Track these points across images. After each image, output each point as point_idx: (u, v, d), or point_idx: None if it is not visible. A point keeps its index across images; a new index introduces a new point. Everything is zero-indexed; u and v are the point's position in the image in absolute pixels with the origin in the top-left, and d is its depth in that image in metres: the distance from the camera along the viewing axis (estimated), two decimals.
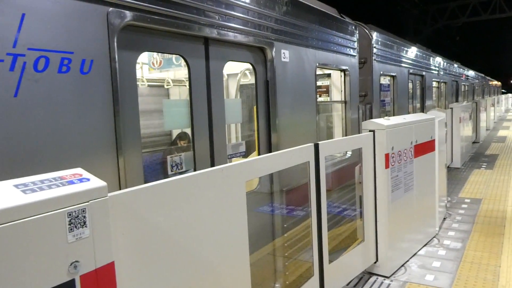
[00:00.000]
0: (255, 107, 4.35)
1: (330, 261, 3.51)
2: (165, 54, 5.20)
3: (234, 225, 2.45)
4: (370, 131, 4.12)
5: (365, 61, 7.22)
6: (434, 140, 5.22)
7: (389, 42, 8.48)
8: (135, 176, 2.98)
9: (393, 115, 8.29)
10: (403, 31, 26.42)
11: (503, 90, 51.78)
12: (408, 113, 9.70)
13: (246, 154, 4.41)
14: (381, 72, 7.93)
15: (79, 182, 1.60)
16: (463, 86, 19.25)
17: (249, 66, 4.68)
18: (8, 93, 2.20)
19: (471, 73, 22.48)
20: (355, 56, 6.47)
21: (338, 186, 5.25)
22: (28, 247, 1.41)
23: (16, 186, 1.49)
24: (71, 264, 1.52)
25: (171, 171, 3.55)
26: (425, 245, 5.03)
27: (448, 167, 8.10)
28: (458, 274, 4.26)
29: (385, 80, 8.56)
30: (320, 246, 3.34)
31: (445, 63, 14.67)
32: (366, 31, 7.23)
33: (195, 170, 3.54)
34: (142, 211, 1.90)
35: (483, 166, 10.05)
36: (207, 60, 3.67)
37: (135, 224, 1.86)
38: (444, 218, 6.00)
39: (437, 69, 13.15)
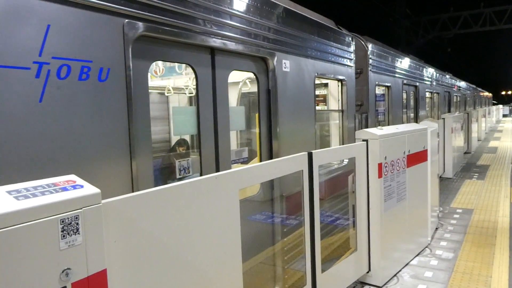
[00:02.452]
0: (257, 115, 4.49)
1: (323, 271, 3.50)
2: (167, 63, 5.32)
3: (228, 233, 2.45)
4: (363, 140, 4.14)
5: (361, 72, 7.33)
6: (426, 150, 5.25)
7: (384, 53, 8.66)
8: (146, 179, 3.08)
9: (388, 125, 8.43)
10: (395, 42, 26.73)
11: (494, 101, 52.38)
12: (402, 123, 9.84)
13: (247, 161, 4.53)
14: (377, 83, 8.10)
15: (73, 188, 1.59)
16: (455, 97, 19.64)
17: (250, 75, 4.88)
18: (34, 98, 2.34)
19: (463, 84, 22.94)
20: (352, 66, 6.63)
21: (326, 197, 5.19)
22: (19, 254, 1.39)
23: (9, 192, 1.48)
24: (63, 272, 1.50)
25: (179, 174, 3.69)
26: (417, 255, 5.04)
27: (440, 177, 8.16)
28: (450, 284, 4.27)
29: (380, 90, 8.77)
30: (313, 255, 3.34)
31: (437, 74, 14.98)
32: (362, 42, 7.41)
33: (201, 174, 3.65)
34: (135, 219, 1.89)
35: (474, 176, 10.13)
36: (213, 69, 3.81)
37: (128, 232, 1.85)
38: (436, 228, 6.03)
39: (430, 80, 13.46)
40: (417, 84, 11.52)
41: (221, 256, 2.41)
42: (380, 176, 4.13)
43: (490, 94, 47.00)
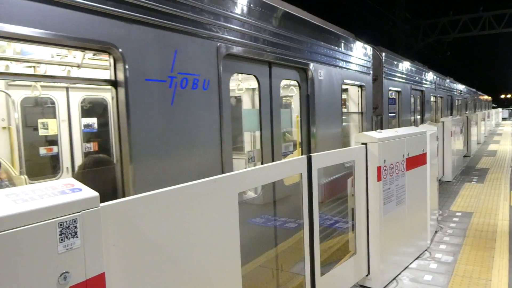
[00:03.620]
0: (297, 116, 5.51)
1: (322, 274, 3.50)
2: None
3: (227, 236, 2.44)
4: (362, 143, 4.14)
5: (376, 78, 8.11)
6: (425, 153, 5.26)
7: (395, 61, 9.57)
8: (228, 163, 3.89)
9: (398, 126, 9.41)
10: (395, 46, 26.77)
11: (493, 105, 52.43)
12: (411, 124, 10.77)
13: (292, 153, 5.54)
14: (389, 88, 8.99)
15: (71, 192, 1.59)
16: (457, 100, 20.55)
17: (288, 82, 5.84)
18: (168, 102, 3.26)
19: (464, 88, 23.90)
20: (370, 74, 7.56)
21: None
22: (18, 257, 1.39)
23: (7, 195, 1.48)
24: (61, 275, 1.50)
25: (249, 162, 4.60)
26: (416, 258, 5.03)
27: (439, 180, 8.17)
28: (450, 287, 4.26)
29: (391, 95, 9.56)
30: (312, 259, 3.33)
31: (441, 80, 15.95)
32: (378, 52, 8.32)
33: (262, 163, 4.54)
34: (134, 222, 1.89)
35: (474, 179, 10.13)
36: (270, 78, 4.74)
37: (126, 235, 1.85)
38: (436, 232, 6.02)
39: (434, 85, 14.41)
40: (423, 89, 12.45)
41: (220, 259, 2.40)
42: (379, 179, 4.14)
43: (490, 98, 47.06)
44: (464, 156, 13.60)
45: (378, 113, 8.24)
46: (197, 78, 3.53)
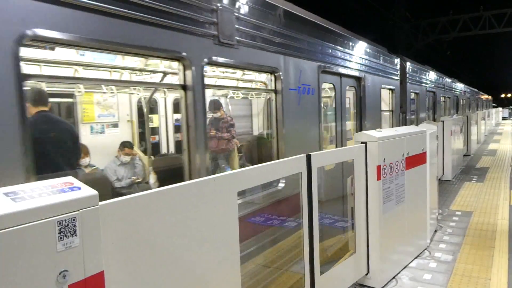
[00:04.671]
0: (352, 112, 7.44)
1: (322, 273, 3.50)
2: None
3: (226, 235, 2.45)
4: (362, 143, 4.14)
5: (401, 82, 10.10)
6: (425, 152, 5.26)
7: (415, 68, 11.76)
8: (322, 140, 5.74)
9: (417, 122, 11.29)
10: (395, 45, 26.74)
11: (493, 104, 52.40)
12: (427, 119, 12.75)
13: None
14: (411, 91, 11.09)
15: (70, 190, 1.59)
16: (461, 100, 22.82)
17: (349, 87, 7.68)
18: (297, 102, 5.11)
19: (467, 89, 26.24)
20: (398, 79, 9.63)
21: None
22: (17, 255, 1.40)
23: (6, 194, 1.48)
24: (60, 273, 1.50)
25: (329, 143, 6.64)
26: (416, 257, 5.03)
27: (439, 179, 8.19)
28: (449, 286, 4.26)
29: (412, 96, 11.51)
30: (311, 257, 3.33)
31: (449, 82, 18.36)
32: (403, 62, 10.36)
33: (336, 145, 6.58)
34: (132, 221, 1.89)
35: (474, 179, 10.13)
36: (340, 86, 6.59)
37: (125, 233, 1.85)
38: (435, 231, 6.02)
39: (443, 86, 16.74)
40: (435, 90, 14.65)
41: (220, 257, 2.41)
42: (379, 178, 4.14)
43: (490, 97, 47.03)
44: (464, 155, 13.59)
45: (403, 111, 10.24)
46: (309, 87, 5.35)
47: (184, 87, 3.47)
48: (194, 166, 3.52)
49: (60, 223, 1.50)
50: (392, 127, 9.02)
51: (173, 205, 2.10)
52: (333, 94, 6.53)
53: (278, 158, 4.71)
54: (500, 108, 48.11)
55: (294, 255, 3.96)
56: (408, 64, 10.72)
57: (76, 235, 1.55)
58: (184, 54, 3.38)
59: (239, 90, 6.61)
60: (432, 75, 14.14)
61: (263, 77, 5.30)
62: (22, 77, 2.33)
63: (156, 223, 2.00)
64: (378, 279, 4.26)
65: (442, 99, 16.25)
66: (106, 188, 4.89)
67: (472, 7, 29.08)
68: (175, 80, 3.68)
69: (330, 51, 6.05)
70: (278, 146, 4.79)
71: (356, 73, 6.97)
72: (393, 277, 4.50)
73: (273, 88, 4.74)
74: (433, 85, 14.25)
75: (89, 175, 5.11)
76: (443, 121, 9.93)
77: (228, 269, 2.48)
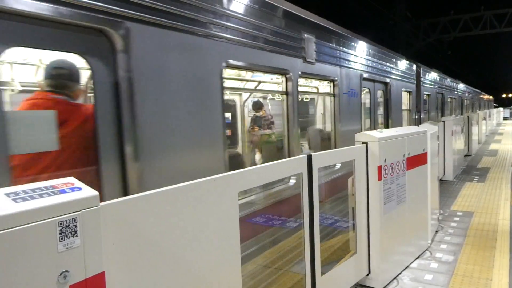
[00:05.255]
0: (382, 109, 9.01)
1: (323, 273, 3.49)
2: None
3: (227, 236, 2.44)
4: (363, 143, 4.14)
5: (417, 86, 11.63)
6: (426, 152, 5.25)
7: (428, 73, 13.56)
8: (362, 129, 7.16)
9: (429, 120, 12.66)
10: (396, 45, 26.72)
11: (495, 104, 52.37)
12: (437, 117, 14.73)
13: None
14: (424, 93, 12.62)
15: (71, 191, 1.59)
16: (465, 100, 24.56)
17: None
18: (347, 104, 6.47)
19: (470, 89, 27.62)
20: (414, 83, 11.31)
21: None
22: (17, 256, 1.39)
23: (7, 194, 1.48)
24: (61, 274, 1.50)
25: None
26: (417, 258, 5.03)
27: (440, 179, 8.19)
28: (450, 287, 4.26)
29: (424, 97, 12.97)
30: (312, 258, 3.33)
31: (455, 83, 20.26)
32: (418, 67, 11.83)
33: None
34: (133, 221, 1.89)
35: (475, 179, 10.12)
36: (374, 90, 8.17)
37: (126, 234, 1.85)
38: (436, 231, 6.02)
39: (450, 88, 18.66)
40: (444, 92, 16.57)
41: (221, 258, 2.40)
42: (379, 178, 4.13)
43: (492, 97, 46.97)
44: (465, 156, 13.58)
45: (418, 110, 11.89)
46: (354, 91, 6.77)
47: (286, 93, 4.98)
48: (292, 145, 5.06)
49: (61, 224, 1.50)
50: (410, 124, 10.91)
51: (174, 205, 2.09)
52: (368, 96, 8.00)
53: (335, 146, 6.26)
54: (501, 108, 48.05)
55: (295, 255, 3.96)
56: (422, 69, 12.35)
57: (77, 236, 1.55)
58: (286, 70, 4.86)
59: (310, 94, 7.68)
60: (441, 79, 16.22)
61: (326, 84, 6.51)
62: (222, 92, 3.68)
63: (157, 224, 2.00)
64: (379, 280, 4.25)
65: (449, 99, 18.35)
66: None
67: (473, 7, 29.10)
68: (280, 88, 5.23)
69: (368, 62, 7.55)
70: (335, 136, 6.32)
71: (385, 79, 8.60)
72: (394, 278, 4.50)
73: (332, 92, 6.26)
74: (441, 87, 16.16)
75: None
76: (444, 121, 9.92)
77: (229, 269, 2.48)
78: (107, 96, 2.70)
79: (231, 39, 3.83)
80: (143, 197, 1.94)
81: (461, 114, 20.56)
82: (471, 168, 11.90)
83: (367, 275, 4.25)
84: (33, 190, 1.54)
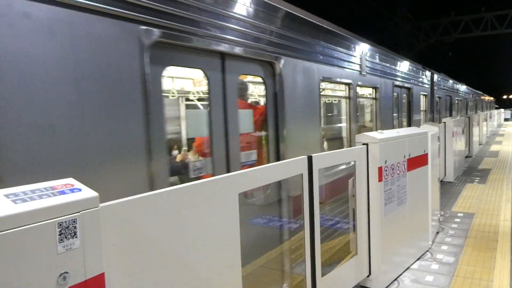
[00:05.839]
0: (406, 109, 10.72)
1: (323, 274, 3.49)
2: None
3: (227, 237, 2.44)
4: (363, 144, 4.13)
5: (431, 90, 13.39)
6: (427, 154, 5.24)
7: (439, 78, 15.43)
8: (395, 123, 9.12)
9: (439, 120, 13.71)
10: (396, 46, 26.72)
11: (496, 106, 52.33)
12: (447, 117, 15.97)
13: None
14: (436, 96, 14.37)
15: (71, 192, 1.59)
16: (469, 102, 26.44)
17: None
18: (384, 106, 8.26)
19: (474, 92, 29.28)
20: (429, 87, 13.11)
21: None
22: (17, 257, 1.39)
23: (6, 195, 1.48)
24: (60, 275, 1.50)
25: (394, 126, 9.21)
26: (418, 259, 5.02)
27: (441, 181, 8.20)
28: None
29: (436, 100, 14.78)
30: (313, 259, 3.33)
31: (461, 87, 22.35)
32: (432, 74, 13.57)
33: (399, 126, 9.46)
34: (133, 222, 1.88)
35: (476, 180, 10.11)
36: (401, 95, 9.82)
37: (126, 235, 1.85)
38: (437, 232, 6.01)
39: (457, 91, 20.85)
40: (451, 94, 18.60)
41: (221, 260, 2.40)
42: (380, 179, 4.13)
43: (493, 99, 46.94)
44: (466, 157, 13.57)
45: (432, 110, 13.60)
46: (389, 95, 8.43)
47: (348, 98, 6.63)
48: (352, 135, 6.52)
49: (60, 225, 1.49)
50: (426, 122, 12.14)
51: (175, 206, 2.09)
52: (397, 99, 9.52)
53: None
54: (502, 110, 48.01)
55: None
56: (435, 75, 14.40)
57: (76, 237, 1.54)
58: (350, 81, 6.44)
59: (362, 98, 8.95)
60: (449, 83, 18.49)
61: (370, 90, 7.98)
62: (320, 97, 5.28)
63: (157, 225, 1.99)
64: (380, 281, 4.24)
65: (456, 101, 20.68)
66: None
67: (474, 8, 29.08)
68: (344, 94, 6.85)
69: (397, 72, 9.24)
70: (376, 129, 7.69)
71: (409, 85, 10.29)
72: (395, 279, 4.49)
73: (374, 97, 7.87)
74: (450, 91, 18.34)
75: None
76: (445, 122, 9.91)
77: (229, 270, 2.47)
78: (271, 100, 4.40)
79: (325, 62, 5.58)
80: (143, 198, 1.94)
81: (466, 114, 22.69)
82: (472, 169, 11.89)
83: (368, 276, 4.24)
84: (33, 191, 1.54)
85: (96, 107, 2.49)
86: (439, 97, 15.25)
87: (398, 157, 4.47)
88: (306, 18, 5.14)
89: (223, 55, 3.73)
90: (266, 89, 4.38)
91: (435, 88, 14.19)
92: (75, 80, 2.38)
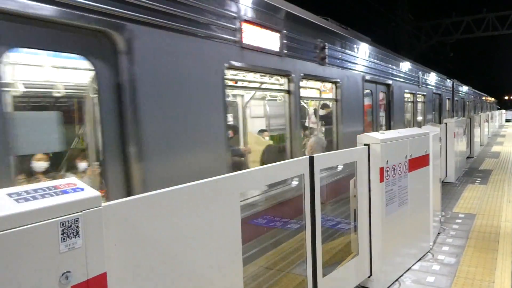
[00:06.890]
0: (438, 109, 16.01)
1: (324, 275, 3.48)
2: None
3: (228, 237, 2.44)
4: (365, 144, 4.13)
5: (452, 94, 17.52)
6: (428, 154, 5.24)
7: (457, 85, 19.92)
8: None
9: (457, 117, 18.19)
10: (398, 47, 26.71)
11: (497, 106, 52.27)
12: (462, 116, 21.19)
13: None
14: (455, 99, 19.02)
15: (73, 191, 1.59)
16: (477, 104, 31.45)
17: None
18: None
19: (478, 93, 33.06)
20: (451, 92, 17.92)
21: None
22: (19, 257, 1.40)
23: (9, 195, 1.48)
24: (62, 275, 1.50)
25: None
26: (419, 260, 5.01)
27: (442, 181, 8.18)
28: None
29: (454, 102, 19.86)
30: (314, 260, 3.32)
31: (468, 89, 26.06)
32: (452, 82, 17.91)
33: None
34: (135, 222, 1.88)
35: (477, 181, 10.09)
36: (432, 98, 14.73)
37: (128, 235, 1.85)
38: (439, 233, 6.00)
39: (466, 94, 24.84)
40: (464, 98, 23.79)
41: (222, 259, 2.40)
42: (381, 180, 4.12)
43: (494, 99, 46.89)
44: (467, 158, 13.55)
45: (452, 110, 17.21)
46: (431, 98, 13.68)
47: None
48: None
49: (63, 224, 1.50)
50: (449, 117, 16.29)
51: (176, 206, 2.09)
52: (434, 102, 12.87)
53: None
54: (503, 110, 47.96)
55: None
56: (454, 83, 19.06)
57: (79, 236, 1.55)
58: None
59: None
60: (464, 88, 23.52)
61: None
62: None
63: (158, 225, 1.99)
64: (381, 282, 4.24)
65: (467, 103, 25.69)
66: None
67: (475, 9, 29.07)
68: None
69: (434, 83, 12.42)
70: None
71: (439, 92, 14.40)
72: (396, 280, 4.49)
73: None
74: (464, 94, 23.49)
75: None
76: (446, 123, 9.90)
77: (231, 270, 2.47)
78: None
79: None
80: (145, 198, 1.94)
81: (475, 113, 27.30)
82: (473, 170, 11.87)
83: (369, 277, 4.24)
84: (35, 191, 1.54)
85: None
86: (456, 100, 20.23)
87: (400, 157, 4.46)
88: None
89: None
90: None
91: (455, 93, 19.15)
92: None
